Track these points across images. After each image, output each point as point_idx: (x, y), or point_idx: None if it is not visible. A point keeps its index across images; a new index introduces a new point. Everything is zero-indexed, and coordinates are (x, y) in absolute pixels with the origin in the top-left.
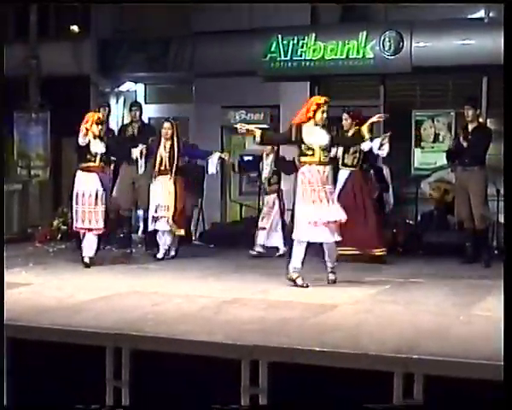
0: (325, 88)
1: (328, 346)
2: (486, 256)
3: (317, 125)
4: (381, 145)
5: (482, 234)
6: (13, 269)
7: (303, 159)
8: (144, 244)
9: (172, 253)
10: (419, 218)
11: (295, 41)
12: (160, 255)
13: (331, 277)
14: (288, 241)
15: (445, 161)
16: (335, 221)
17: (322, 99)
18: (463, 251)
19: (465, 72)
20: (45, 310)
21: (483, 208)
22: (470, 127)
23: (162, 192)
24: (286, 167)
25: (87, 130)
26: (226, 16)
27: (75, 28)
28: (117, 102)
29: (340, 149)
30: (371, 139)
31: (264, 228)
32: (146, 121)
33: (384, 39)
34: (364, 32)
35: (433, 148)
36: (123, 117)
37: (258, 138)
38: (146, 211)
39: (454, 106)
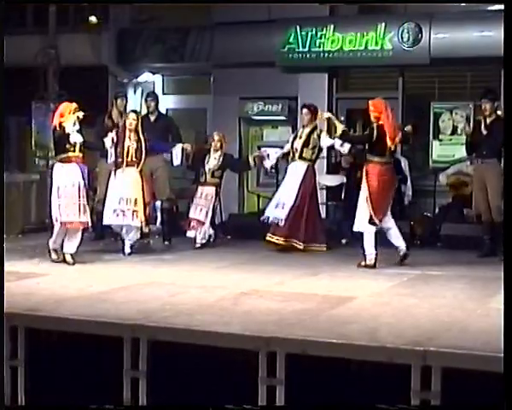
0: (343, 80)
1: (345, 338)
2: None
3: None
4: (343, 143)
5: (500, 227)
6: (31, 259)
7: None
8: (162, 235)
9: (128, 250)
10: (437, 210)
11: (314, 32)
12: (127, 250)
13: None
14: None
15: (463, 154)
16: None
17: None
18: (481, 244)
19: (484, 64)
20: (64, 300)
21: (501, 201)
22: (489, 120)
23: (129, 185)
24: (234, 165)
25: (60, 123)
26: (245, 7)
27: (93, 19)
28: (135, 92)
29: (300, 142)
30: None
31: (202, 222)
32: (163, 112)
33: (403, 31)
34: (383, 24)
35: (451, 140)
36: (141, 108)
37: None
38: (163, 202)
39: (472, 98)
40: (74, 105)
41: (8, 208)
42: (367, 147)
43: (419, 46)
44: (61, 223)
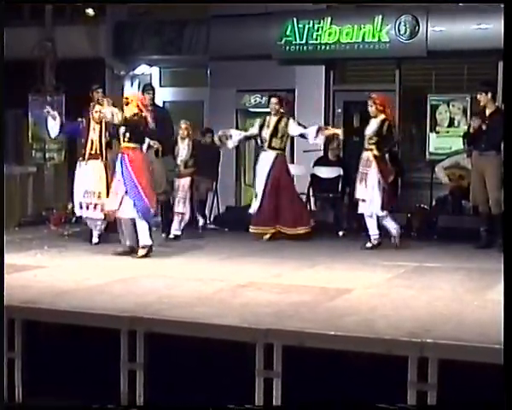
0: (340, 72)
1: (342, 330)
2: (501, 241)
3: None
4: (317, 135)
5: (497, 219)
6: (28, 252)
7: None
8: (161, 228)
9: (96, 239)
10: (434, 202)
11: (311, 25)
12: (95, 240)
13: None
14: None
15: (460, 146)
16: None
17: None
18: (478, 236)
19: (481, 56)
20: (61, 293)
21: (499, 193)
22: (487, 112)
23: (93, 177)
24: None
25: (141, 112)
26: None
27: (90, 11)
28: (132, 85)
29: (269, 132)
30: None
31: (183, 213)
32: (160, 105)
33: (400, 23)
34: (380, 16)
35: (448, 132)
36: None
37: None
38: (160, 195)
39: (469, 90)
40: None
41: (5, 201)
42: (375, 139)
43: (416, 38)
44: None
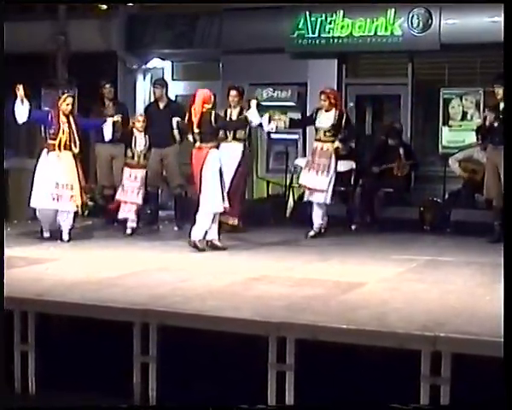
0: (353, 65)
1: (355, 324)
2: None
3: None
4: (269, 122)
5: None
6: (40, 245)
7: None
8: (174, 221)
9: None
10: (446, 196)
11: (323, 18)
12: (66, 237)
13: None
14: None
15: (473, 140)
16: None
17: None
18: (491, 230)
19: (494, 49)
20: (73, 285)
21: None
22: (502, 106)
23: (65, 169)
24: None
25: (207, 109)
26: None
27: (103, 5)
28: (144, 78)
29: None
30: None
31: (136, 203)
32: (173, 99)
33: (412, 16)
34: (393, 9)
35: (461, 126)
36: (150, 94)
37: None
38: (174, 188)
39: (482, 84)
40: None
41: (17, 194)
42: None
43: (429, 32)
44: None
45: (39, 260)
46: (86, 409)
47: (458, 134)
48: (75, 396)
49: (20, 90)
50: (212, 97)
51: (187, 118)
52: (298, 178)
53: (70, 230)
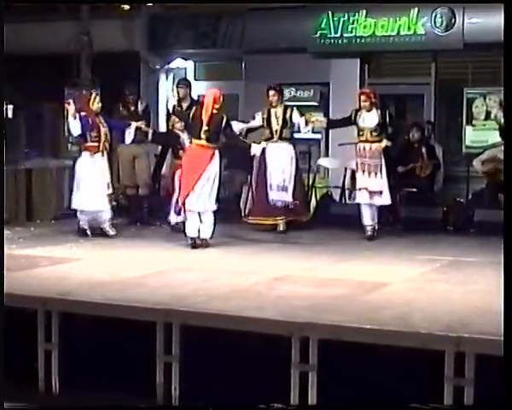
0: (375, 65)
1: (378, 324)
2: None
3: None
4: (307, 123)
5: None
6: (64, 245)
7: None
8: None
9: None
10: (470, 196)
11: (346, 18)
12: (113, 232)
13: None
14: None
15: (497, 139)
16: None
17: None
18: None
19: None
20: (97, 285)
21: None
22: None
23: (106, 169)
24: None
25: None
26: None
27: (126, 5)
28: (167, 78)
29: (279, 123)
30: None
31: None
32: (195, 99)
33: (436, 16)
34: (416, 9)
35: (484, 126)
36: (172, 94)
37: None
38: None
39: None
40: None
41: (41, 194)
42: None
43: (452, 31)
44: None
45: (63, 260)
46: (108, 409)
47: (482, 134)
48: (98, 396)
49: (71, 107)
50: (222, 97)
51: (195, 115)
52: (321, 178)
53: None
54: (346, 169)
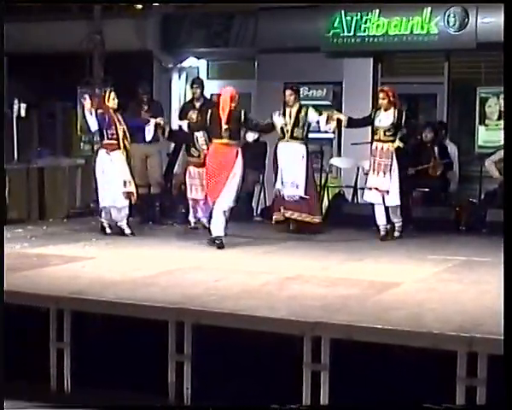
0: (388, 64)
1: (390, 324)
2: None
3: None
4: (327, 122)
5: None
6: (76, 243)
7: None
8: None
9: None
10: (483, 196)
11: (359, 17)
12: (129, 230)
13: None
14: None
15: None
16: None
17: None
18: None
19: None
20: (109, 284)
21: None
22: None
23: (126, 166)
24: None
25: None
26: None
27: (138, 4)
28: (179, 77)
29: (291, 122)
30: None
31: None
32: (208, 97)
33: (449, 15)
34: (429, 8)
35: (497, 125)
36: (185, 93)
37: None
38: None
39: None
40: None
41: (53, 193)
42: (393, 131)
43: (465, 30)
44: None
45: (75, 259)
46: (119, 409)
47: (495, 134)
48: (110, 395)
49: (87, 102)
50: (237, 95)
51: (213, 115)
52: (333, 177)
53: (128, 224)
54: (358, 169)
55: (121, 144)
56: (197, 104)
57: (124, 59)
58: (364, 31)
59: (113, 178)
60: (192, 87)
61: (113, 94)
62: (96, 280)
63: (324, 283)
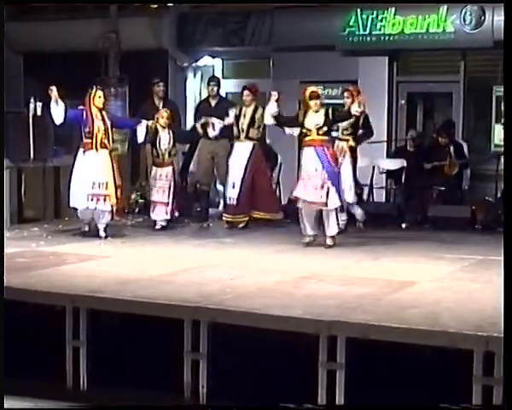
0: (404, 63)
1: (406, 323)
2: None
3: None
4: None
5: None
6: (91, 242)
7: None
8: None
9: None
10: (499, 195)
11: (374, 15)
12: (103, 234)
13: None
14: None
15: None
16: None
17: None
18: None
19: None
20: (125, 282)
21: None
22: None
23: (101, 168)
24: (181, 136)
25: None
26: None
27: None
28: (194, 76)
29: (246, 123)
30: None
31: (166, 203)
32: (224, 96)
33: (465, 13)
34: (445, 6)
35: None
36: (200, 92)
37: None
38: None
39: None
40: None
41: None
42: (351, 130)
43: (482, 29)
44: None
45: (91, 257)
46: (130, 409)
47: None
48: (126, 393)
49: (54, 92)
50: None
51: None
52: None
53: (105, 227)
54: (373, 168)
55: (98, 144)
56: (213, 102)
57: (139, 58)
58: (380, 29)
59: (82, 179)
60: (209, 85)
61: (99, 92)
62: (112, 278)
63: (340, 282)
